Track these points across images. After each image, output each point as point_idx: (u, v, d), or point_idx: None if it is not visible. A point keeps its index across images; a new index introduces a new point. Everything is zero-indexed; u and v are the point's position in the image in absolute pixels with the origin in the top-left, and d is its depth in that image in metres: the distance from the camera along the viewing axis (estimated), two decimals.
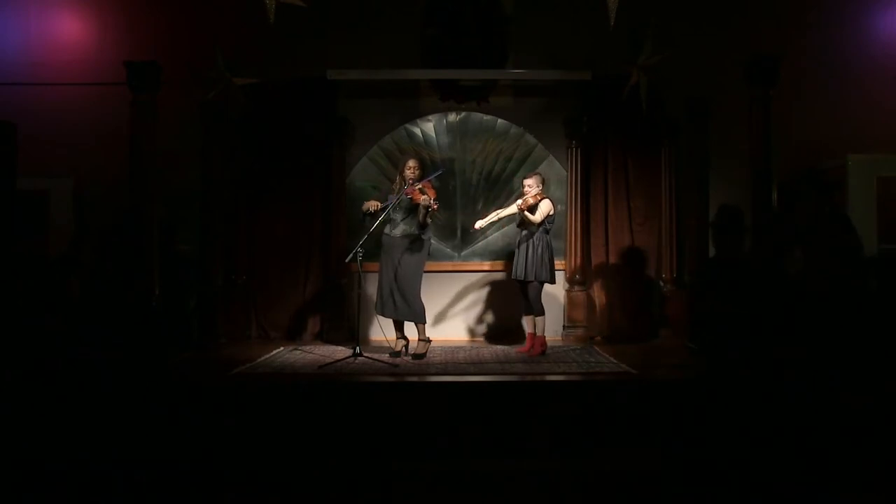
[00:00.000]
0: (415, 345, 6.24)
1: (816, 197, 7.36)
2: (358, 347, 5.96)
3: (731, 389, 4.89)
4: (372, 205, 6.09)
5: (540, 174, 6.52)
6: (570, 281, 7.35)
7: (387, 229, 6.20)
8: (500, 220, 6.63)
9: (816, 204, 7.37)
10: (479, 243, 7.58)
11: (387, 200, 6.14)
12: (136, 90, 5.80)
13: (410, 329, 6.30)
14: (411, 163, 6.20)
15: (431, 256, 6.65)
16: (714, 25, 7.26)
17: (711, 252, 6.73)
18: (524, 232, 6.34)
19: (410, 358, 6.15)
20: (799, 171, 7.20)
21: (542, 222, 6.23)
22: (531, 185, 6.31)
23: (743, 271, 5.38)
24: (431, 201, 5.94)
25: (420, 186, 6.06)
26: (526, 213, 6.21)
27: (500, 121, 7.52)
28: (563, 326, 7.34)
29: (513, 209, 6.44)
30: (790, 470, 4.36)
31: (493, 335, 7.37)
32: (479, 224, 6.54)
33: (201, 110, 6.92)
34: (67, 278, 6.30)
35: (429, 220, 6.16)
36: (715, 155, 6.93)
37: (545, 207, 6.24)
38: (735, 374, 4.93)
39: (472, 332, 7.47)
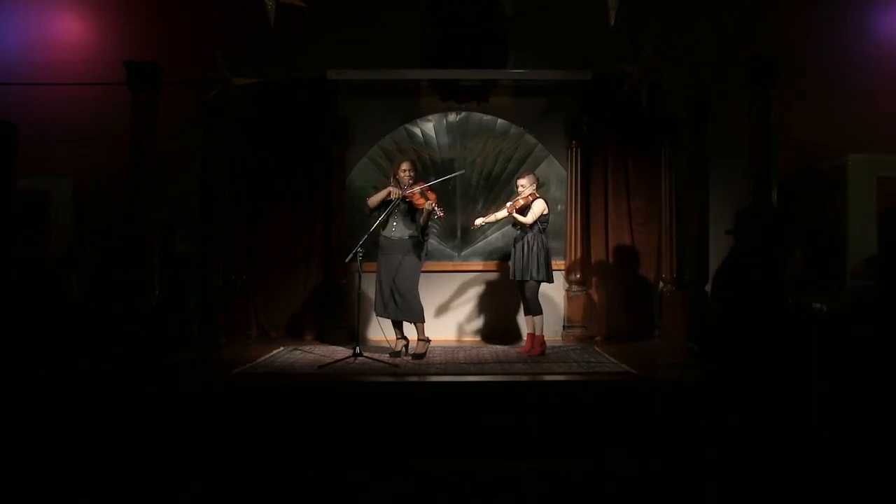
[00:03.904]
0: (414, 345, 6.24)
1: (816, 197, 7.37)
2: (358, 347, 5.96)
3: (734, 390, 4.89)
4: (395, 192, 6.08)
5: (534, 174, 6.53)
6: (570, 281, 7.35)
7: (385, 231, 6.19)
8: (497, 221, 6.60)
9: (816, 204, 7.38)
10: (479, 243, 7.58)
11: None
12: (136, 90, 5.79)
13: (410, 329, 6.30)
14: (405, 165, 6.20)
15: (431, 256, 6.65)
16: (714, 25, 7.26)
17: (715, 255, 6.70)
18: (519, 231, 6.34)
19: (410, 358, 6.15)
20: (799, 171, 7.21)
21: (535, 223, 6.23)
22: (524, 186, 6.31)
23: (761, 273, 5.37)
24: (435, 207, 5.94)
25: (420, 189, 6.06)
26: (516, 215, 6.21)
27: (500, 121, 7.52)
28: (563, 326, 7.34)
29: (504, 213, 6.40)
30: (789, 470, 4.36)
31: (492, 335, 7.37)
32: (478, 221, 6.56)
33: (201, 110, 6.92)
34: (67, 278, 6.30)
35: (431, 224, 6.17)
36: (715, 155, 6.94)
37: (537, 208, 6.22)
38: (740, 376, 4.92)
39: (471, 332, 7.47)
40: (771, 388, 4.79)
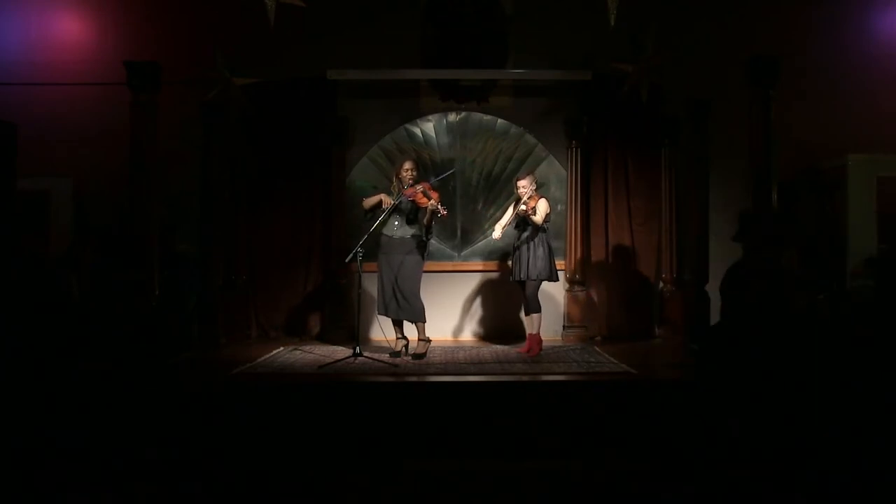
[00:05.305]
0: (415, 345, 6.24)
1: (816, 197, 7.37)
2: (358, 347, 5.96)
3: (733, 390, 4.89)
4: (386, 200, 6.09)
5: (532, 174, 6.51)
6: (570, 281, 7.35)
7: (386, 230, 6.19)
8: (513, 219, 6.42)
9: (816, 204, 7.38)
10: (479, 243, 7.58)
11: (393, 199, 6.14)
12: (136, 90, 5.79)
13: (410, 329, 6.30)
14: (407, 164, 6.20)
15: (431, 256, 6.64)
16: (714, 25, 7.26)
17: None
18: (522, 234, 6.33)
19: (410, 358, 6.15)
20: (799, 171, 7.20)
21: (544, 222, 6.24)
22: (525, 186, 6.27)
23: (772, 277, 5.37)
24: (439, 206, 5.93)
25: (422, 189, 6.05)
26: (531, 217, 6.17)
27: (500, 121, 7.52)
28: (563, 326, 7.34)
29: (508, 214, 6.37)
30: (789, 469, 4.37)
31: (492, 335, 7.37)
32: (496, 235, 6.43)
33: (201, 110, 6.91)
34: (67, 278, 6.29)
35: (434, 224, 6.16)
36: (715, 155, 6.93)
37: (543, 207, 6.23)
38: (740, 376, 4.92)
39: (471, 332, 7.48)
40: (771, 388, 4.79)
